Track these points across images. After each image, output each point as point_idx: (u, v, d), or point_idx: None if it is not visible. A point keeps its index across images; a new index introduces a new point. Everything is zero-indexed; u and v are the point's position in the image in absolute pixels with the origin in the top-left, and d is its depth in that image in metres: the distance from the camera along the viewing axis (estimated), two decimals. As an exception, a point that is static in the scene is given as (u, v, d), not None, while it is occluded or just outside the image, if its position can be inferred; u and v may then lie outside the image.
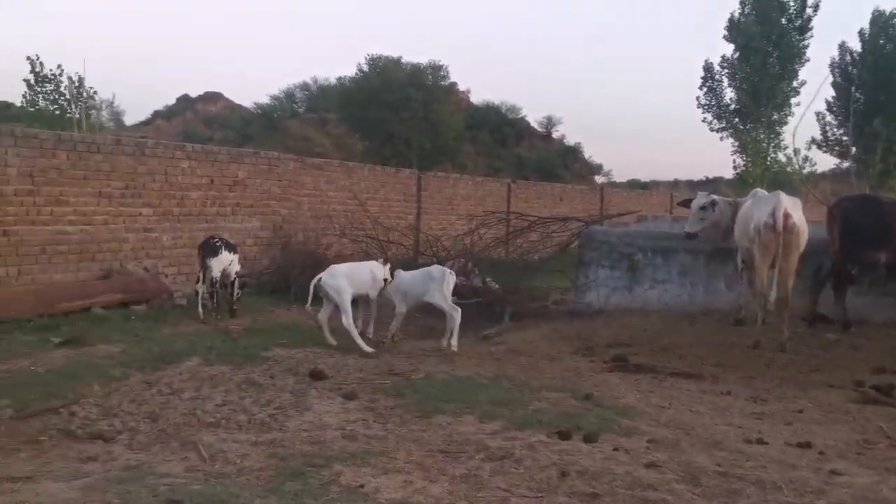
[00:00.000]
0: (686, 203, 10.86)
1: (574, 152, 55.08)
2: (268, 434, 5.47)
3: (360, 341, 8.55)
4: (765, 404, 6.73)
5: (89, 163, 11.05)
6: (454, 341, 8.72)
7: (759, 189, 10.38)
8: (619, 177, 56.40)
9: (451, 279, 8.95)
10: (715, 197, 10.43)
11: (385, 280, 9.07)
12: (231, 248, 10.68)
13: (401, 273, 9.29)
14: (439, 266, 9.66)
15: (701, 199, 10.40)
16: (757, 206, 9.05)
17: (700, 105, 38.11)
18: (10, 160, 10.02)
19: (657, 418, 6.12)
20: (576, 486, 4.59)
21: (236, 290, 10.78)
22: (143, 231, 11.81)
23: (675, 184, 53.07)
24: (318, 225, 15.05)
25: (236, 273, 10.76)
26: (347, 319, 8.56)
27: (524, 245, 13.47)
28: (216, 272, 10.32)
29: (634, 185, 49.63)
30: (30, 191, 10.28)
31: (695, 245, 10.78)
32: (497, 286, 11.62)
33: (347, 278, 8.76)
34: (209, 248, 10.32)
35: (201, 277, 10.40)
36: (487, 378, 7.31)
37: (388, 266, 9.27)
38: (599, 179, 53.01)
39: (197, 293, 10.44)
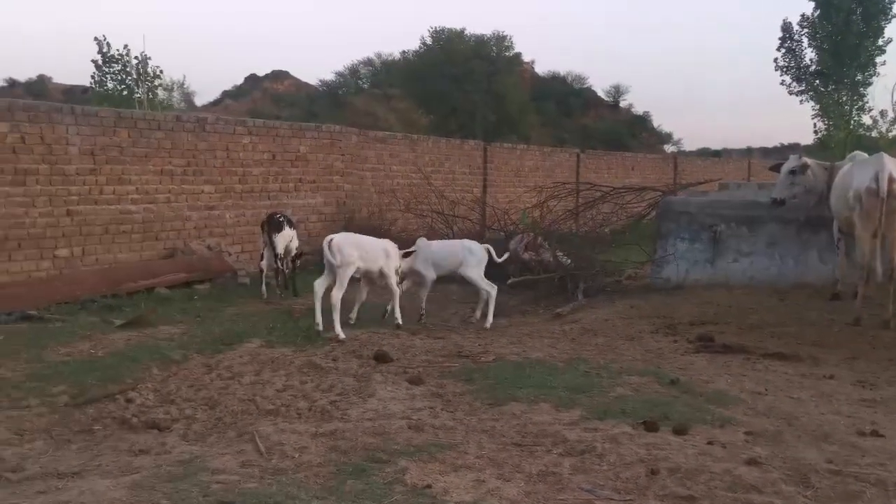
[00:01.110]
0: (777, 168, 10.05)
1: (643, 121, 53.82)
2: (328, 424, 5.10)
3: (337, 323, 7.70)
4: (875, 389, 6.07)
5: (150, 140, 10.90)
6: (490, 319, 8.77)
7: (858, 152, 9.54)
8: (690, 145, 54.91)
9: (485, 256, 9.03)
10: (807, 160, 9.58)
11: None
12: (291, 223, 10.44)
13: (428, 242, 9.18)
14: (473, 241, 9.55)
15: (791, 162, 9.57)
16: (857, 171, 8.25)
17: (778, 67, 36.33)
18: (71, 139, 9.91)
19: (754, 406, 5.53)
20: (668, 486, 4.08)
21: (297, 266, 10.60)
22: (205, 209, 11.66)
23: (749, 151, 51.34)
24: (383, 200, 14.73)
25: (296, 249, 10.53)
26: (338, 293, 7.75)
27: (596, 217, 12.83)
28: (280, 248, 10.08)
29: (705, 153, 48.09)
30: (92, 169, 10.17)
31: (785, 214, 9.98)
32: (568, 261, 11.06)
33: (358, 249, 8.02)
34: (273, 224, 10.06)
35: (265, 255, 10.17)
36: (562, 361, 6.79)
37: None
38: (669, 148, 51.67)
39: (261, 271, 10.22)
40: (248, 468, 4.28)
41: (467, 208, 14.00)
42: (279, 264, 10.16)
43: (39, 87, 46.82)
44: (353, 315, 8.54)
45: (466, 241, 9.45)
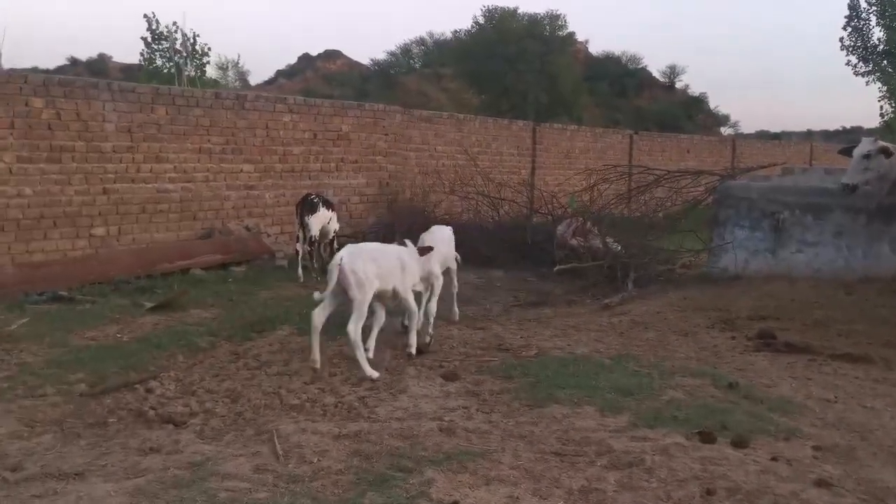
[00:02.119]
0: (847, 151, 9.29)
1: (699, 103, 52.42)
2: (354, 423, 4.73)
3: (364, 362, 5.81)
4: (958, 399, 5.47)
5: (189, 118, 10.66)
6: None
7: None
8: (747, 128, 53.31)
9: None
10: (884, 143, 8.83)
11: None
12: (329, 205, 10.13)
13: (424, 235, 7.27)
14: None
15: (866, 145, 8.80)
16: (938, 156, 7.54)
17: (844, 47, 34.68)
18: (107, 115, 9.71)
19: (822, 416, 5.01)
20: (725, 509, 3.62)
21: (335, 249, 10.23)
22: (244, 188, 11.40)
23: (809, 134, 49.49)
24: (426, 181, 14.30)
25: (335, 231, 10.21)
26: (357, 326, 5.78)
27: (650, 202, 12.20)
28: (315, 230, 9.80)
29: (764, 136, 46.54)
30: (129, 147, 9.98)
31: (854, 202, 9.26)
32: (619, 248, 10.51)
33: (374, 264, 6.00)
34: (307, 206, 9.79)
35: (300, 236, 9.88)
36: (609, 357, 6.31)
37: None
38: (726, 131, 50.23)
39: (297, 253, 9.93)
40: (261, 473, 3.94)
41: (514, 191, 13.47)
42: (311, 247, 9.87)
43: (100, 66, 47.31)
44: (371, 346, 6.32)
45: (441, 227, 7.67)
